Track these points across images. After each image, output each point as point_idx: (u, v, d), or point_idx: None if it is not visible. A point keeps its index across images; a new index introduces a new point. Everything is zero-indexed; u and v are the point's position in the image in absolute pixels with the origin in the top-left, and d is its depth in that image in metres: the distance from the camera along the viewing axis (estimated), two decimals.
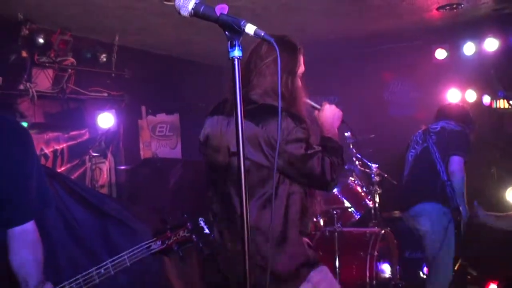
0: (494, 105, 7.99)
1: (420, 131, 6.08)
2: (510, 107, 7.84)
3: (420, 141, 5.98)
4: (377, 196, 6.54)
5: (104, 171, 8.12)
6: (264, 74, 2.99)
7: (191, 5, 2.01)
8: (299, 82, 3.13)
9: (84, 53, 7.42)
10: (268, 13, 6.71)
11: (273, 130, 2.81)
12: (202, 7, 2.01)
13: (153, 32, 7.53)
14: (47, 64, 6.92)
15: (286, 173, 2.91)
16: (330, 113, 3.29)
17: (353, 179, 6.55)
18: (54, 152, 7.28)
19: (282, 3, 6.44)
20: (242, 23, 1.98)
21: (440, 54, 8.39)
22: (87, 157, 7.66)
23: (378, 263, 5.81)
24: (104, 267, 2.79)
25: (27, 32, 6.40)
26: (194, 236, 2.89)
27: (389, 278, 6.06)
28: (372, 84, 9.30)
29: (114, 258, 2.82)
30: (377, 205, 6.54)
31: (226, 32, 2.01)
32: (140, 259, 2.87)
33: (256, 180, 2.86)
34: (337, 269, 5.64)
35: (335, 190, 6.28)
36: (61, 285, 2.69)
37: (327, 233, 5.98)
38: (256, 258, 2.82)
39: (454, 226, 5.66)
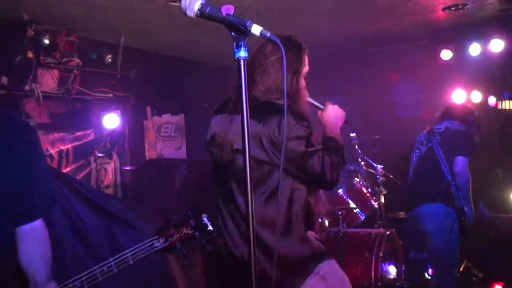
0: (499, 106, 7.98)
1: (424, 131, 6.07)
2: None
3: (425, 142, 5.97)
4: (382, 197, 6.54)
5: (109, 172, 8.12)
6: (268, 72, 3.02)
7: (197, 6, 2.01)
8: (303, 82, 3.18)
9: (89, 54, 7.43)
10: (272, 13, 6.70)
11: (274, 127, 2.86)
12: (208, 8, 2.01)
13: (159, 33, 7.54)
14: (52, 65, 6.93)
15: (287, 170, 2.94)
16: (333, 113, 3.34)
17: (358, 179, 6.54)
18: (60, 152, 7.28)
19: (285, 4, 6.44)
20: (248, 24, 1.98)
21: (446, 54, 8.36)
22: (92, 157, 7.66)
23: (383, 264, 5.81)
24: (107, 265, 2.79)
25: (32, 33, 6.40)
26: (197, 233, 2.89)
27: (394, 279, 6.05)
28: (377, 85, 9.29)
29: (116, 256, 2.82)
30: (382, 206, 6.54)
31: (232, 33, 2.01)
32: (143, 257, 2.87)
33: (257, 177, 2.89)
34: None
35: (340, 191, 6.28)
36: (65, 283, 2.69)
37: (332, 234, 5.97)
38: (261, 254, 2.85)
39: (459, 226, 5.65)
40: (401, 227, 6.63)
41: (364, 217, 6.50)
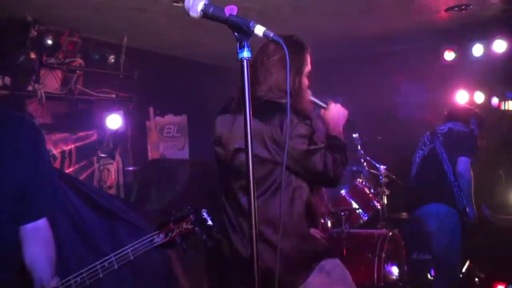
0: (502, 107, 7.97)
1: (428, 132, 6.08)
2: None
3: (428, 142, 5.98)
4: (385, 197, 6.54)
5: (112, 172, 8.13)
6: (270, 71, 3.06)
7: (200, 6, 2.01)
8: (305, 81, 3.22)
9: (92, 55, 7.43)
10: (275, 14, 6.70)
11: (276, 126, 2.91)
12: (211, 8, 2.01)
13: (162, 33, 7.54)
14: (55, 65, 6.95)
15: (290, 168, 2.99)
16: (335, 111, 3.38)
17: (360, 180, 6.54)
18: (62, 153, 7.29)
19: (290, 4, 6.44)
20: (251, 24, 1.98)
21: (449, 55, 8.36)
22: (95, 158, 7.66)
23: (386, 265, 5.81)
24: (107, 261, 2.80)
25: (35, 33, 6.41)
26: (197, 228, 2.90)
27: (396, 279, 6.05)
28: (380, 86, 9.27)
29: (117, 252, 2.83)
30: (385, 206, 6.53)
31: (235, 33, 2.01)
32: (144, 253, 2.88)
33: (260, 175, 2.94)
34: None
35: (342, 192, 6.28)
36: (66, 279, 2.70)
37: (335, 235, 5.97)
38: (264, 251, 2.87)
39: (461, 227, 5.64)
40: (404, 228, 6.63)
41: (366, 218, 6.50)
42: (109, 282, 3.04)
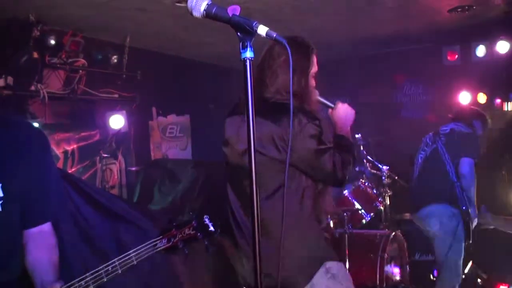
0: (505, 108, 7.97)
1: (430, 133, 6.07)
2: None
3: (430, 143, 5.97)
4: (388, 198, 6.54)
5: (115, 172, 8.14)
6: (276, 73, 3.08)
7: (203, 6, 2.01)
8: (312, 82, 3.25)
9: (95, 55, 7.44)
10: (279, 15, 6.70)
11: (286, 126, 2.93)
12: (214, 8, 2.01)
13: (165, 33, 7.54)
14: (58, 65, 6.96)
15: (299, 168, 3.03)
16: (343, 111, 3.41)
17: (363, 181, 6.53)
18: (65, 153, 7.31)
19: (293, 5, 6.44)
20: (254, 24, 1.98)
21: (451, 56, 8.36)
22: (98, 158, 7.68)
23: (388, 266, 5.81)
24: (111, 265, 2.81)
25: (38, 33, 6.42)
26: (199, 233, 2.92)
27: (399, 280, 6.04)
28: (383, 86, 9.29)
29: (120, 256, 2.84)
30: (387, 207, 6.53)
31: (238, 33, 2.01)
32: (147, 257, 2.89)
33: (271, 174, 2.97)
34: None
35: (345, 192, 6.27)
36: (70, 283, 2.70)
37: (337, 235, 5.97)
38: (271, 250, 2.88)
39: (464, 227, 5.64)
40: (406, 229, 6.64)
41: (369, 218, 6.49)
42: (113, 287, 3.04)
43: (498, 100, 8.00)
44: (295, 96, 2.96)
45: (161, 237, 2.93)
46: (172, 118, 9.39)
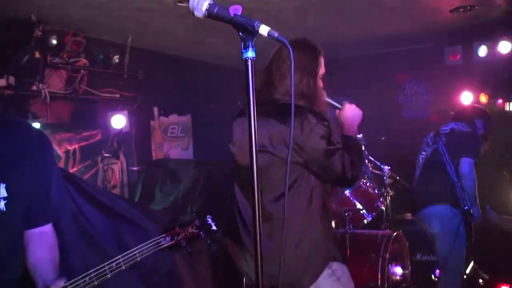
0: (507, 108, 7.96)
1: (431, 133, 6.06)
2: None
3: (431, 143, 5.97)
4: (389, 198, 6.53)
5: (116, 172, 8.14)
6: (285, 75, 3.12)
7: (205, 6, 2.01)
8: (320, 83, 3.29)
9: (96, 54, 7.45)
10: (281, 15, 6.70)
11: (296, 126, 2.96)
12: (216, 8, 2.01)
13: (166, 33, 7.55)
14: (59, 65, 6.97)
15: (309, 168, 3.05)
16: (351, 112, 3.45)
17: (364, 181, 6.53)
18: (66, 152, 7.31)
19: (294, 5, 6.44)
20: (256, 24, 1.99)
21: (453, 56, 8.35)
22: (99, 157, 7.67)
23: (389, 266, 5.80)
24: (115, 262, 2.82)
25: (40, 33, 6.43)
26: (202, 232, 2.94)
27: (400, 280, 6.04)
28: (385, 86, 9.28)
29: (125, 253, 2.85)
30: (388, 207, 6.53)
31: (240, 33, 2.02)
32: (150, 255, 2.91)
33: (281, 175, 2.97)
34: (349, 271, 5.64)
35: (346, 192, 6.27)
36: (74, 279, 2.71)
37: (339, 235, 5.96)
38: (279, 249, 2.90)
39: (465, 227, 5.63)
40: (408, 229, 6.62)
41: (370, 219, 6.48)
42: (117, 283, 3.05)
43: (500, 100, 7.99)
44: (304, 97, 3.05)
45: (164, 235, 2.95)
46: (173, 118, 9.38)
